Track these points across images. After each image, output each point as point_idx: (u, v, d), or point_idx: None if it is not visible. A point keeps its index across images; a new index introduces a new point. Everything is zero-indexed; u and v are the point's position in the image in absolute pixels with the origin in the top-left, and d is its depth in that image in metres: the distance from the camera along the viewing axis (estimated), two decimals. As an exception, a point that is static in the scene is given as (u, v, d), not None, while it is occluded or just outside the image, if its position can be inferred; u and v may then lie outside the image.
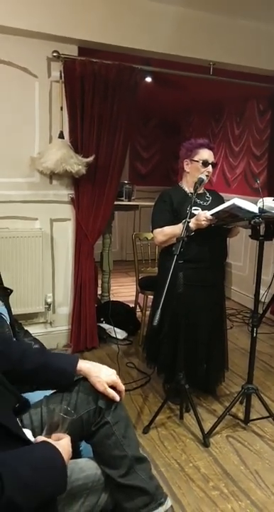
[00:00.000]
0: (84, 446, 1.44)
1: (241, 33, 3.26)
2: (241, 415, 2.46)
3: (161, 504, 1.32)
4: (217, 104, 5.00)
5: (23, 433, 1.16)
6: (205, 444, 2.23)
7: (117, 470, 1.27)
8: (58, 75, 2.90)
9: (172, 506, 1.39)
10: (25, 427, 1.26)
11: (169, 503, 1.36)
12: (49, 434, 1.15)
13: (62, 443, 1.11)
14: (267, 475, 2.04)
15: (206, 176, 2.40)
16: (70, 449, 1.12)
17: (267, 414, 2.31)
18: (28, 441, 1.13)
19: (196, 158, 2.42)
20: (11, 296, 2.02)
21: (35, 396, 1.41)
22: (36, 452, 1.06)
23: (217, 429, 2.32)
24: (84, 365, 1.33)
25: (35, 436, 1.21)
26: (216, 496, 1.91)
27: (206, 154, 2.42)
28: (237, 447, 2.24)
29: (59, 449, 1.07)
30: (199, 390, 2.65)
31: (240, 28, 3.25)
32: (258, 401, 2.35)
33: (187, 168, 2.48)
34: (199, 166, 2.41)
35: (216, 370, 2.62)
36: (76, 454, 1.32)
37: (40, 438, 1.13)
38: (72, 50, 2.93)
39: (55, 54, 2.85)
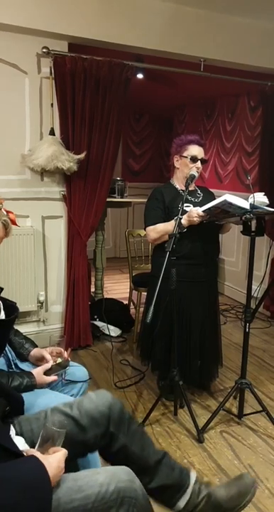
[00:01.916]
0: (92, 457, 1.44)
1: (232, 30, 3.25)
2: (235, 410, 2.47)
3: (187, 487, 1.39)
4: (209, 101, 5.00)
5: (13, 444, 1.11)
6: (199, 439, 2.24)
7: (142, 479, 1.26)
8: (48, 71, 2.88)
9: (197, 477, 1.47)
10: (19, 434, 1.22)
11: (193, 478, 1.43)
12: (41, 447, 1.12)
13: (52, 459, 1.06)
14: (261, 469, 2.06)
15: (196, 171, 2.40)
16: (62, 465, 1.08)
17: (261, 409, 2.33)
18: (18, 452, 1.09)
19: (185, 154, 2.42)
20: (1, 294, 2.00)
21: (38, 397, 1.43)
22: (19, 470, 1.00)
23: (211, 424, 2.33)
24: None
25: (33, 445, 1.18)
26: (210, 490, 1.92)
27: (195, 150, 2.42)
28: (231, 442, 2.25)
29: (47, 466, 1.02)
30: (193, 386, 2.66)
31: (231, 25, 3.25)
32: (252, 396, 2.36)
33: (176, 164, 2.48)
34: (187, 161, 2.41)
35: (210, 365, 2.62)
36: (73, 468, 1.29)
37: (31, 451, 1.09)
38: (62, 46, 2.90)
39: (44, 50, 2.82)
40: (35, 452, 1.08)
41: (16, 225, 1.68)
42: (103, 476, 1.18)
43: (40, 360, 1.69)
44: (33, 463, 1.03)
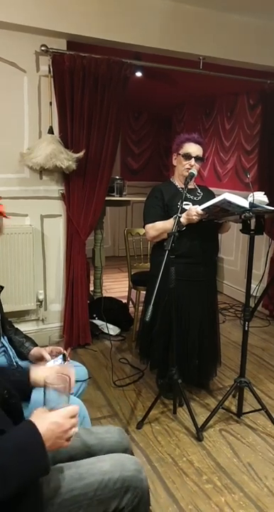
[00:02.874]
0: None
1: (231, 28, 3.25)
2: (234, 409, 2.47)
3: None
4: (208, 99, 4.99)
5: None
6: (198, 438, 2.24)
7: None
8: (47, 69, 2.87)
9: None
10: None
11: None
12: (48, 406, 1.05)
13: (48, 416, 1.01)
14: (260, 467, 2.06)
15: (188, 168, 2.39)
16: (61, 420, 1.01)
17: (260, 407, 2.33)
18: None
19: (180, 152, 2.44)
20: (1, 294, 2.00)
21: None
22: (13, 437, 0.98)
23: (210, 422, 2.33)
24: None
25: None
26: (209, 489, 1.92)
27: (190, 148, 2.42)
28: (230, 440, 2.25)
29: (38, 425, 0.98)
30: (192, 385, 2.67)
31: (230, 23, 3.24)
32: (251, 394, 2.36)
33: (174, 161, 2.51)
34: (182, 159, 2.42)
35: (208, 364, 2.63)
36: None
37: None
38: (60, 44, 2.89)
39: (43, 48, 2.81)
40: (33, 416, 1.03)
41: (5, 216, 1.67)
42: (108, 464, 1.16)
43: (39, 360, 1.69)
44: (25, 426, 1.00)
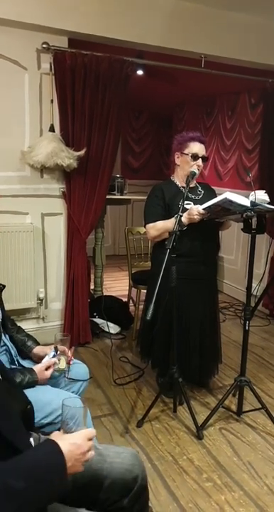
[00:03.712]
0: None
1: (233, 26, 3.24)
2: (234, 407, 2.48)
3: None
4: (209, 98, 4.99)
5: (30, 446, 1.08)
6: (198, 436, 2.24)
7: None
8: (48, 67, 2.86)
9: None
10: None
11: None
12: (64, 429, 1.06)
13: (69, 437, 1.01)
14: (260, 466, 2.07)
15: (197, 169, 2.39)
16: (80, 442, 1.00)
17: (260, 406, 2.33)
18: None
19: (186, 152, 2.41)
20: (2, 292, 2.00)
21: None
22: (35, 457, 0.97)
23: (210, 421, 2.34)
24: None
25: None
26: (209, 487, 1.92)
27: (196, 148, 2.41)
28: (230, 439, 2.26)
29: (61, 446, 0.97)
30: (192, 384, 2.67)
31: (232, 21, 3.23)
32: (251, 393, 2.36)
33: (177, 161, 2.47)
34: (188, 159, 2.40)
35: (209, 363, 2.63)
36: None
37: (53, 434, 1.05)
38: (62, 42, 2.89)
39: (44, 46, 2.81)
40: (55, 437, 1.03)
41: None
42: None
43: (42, 359, 1.69)
44: (47, 446, 0.99)
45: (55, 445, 0.98)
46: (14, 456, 0.96)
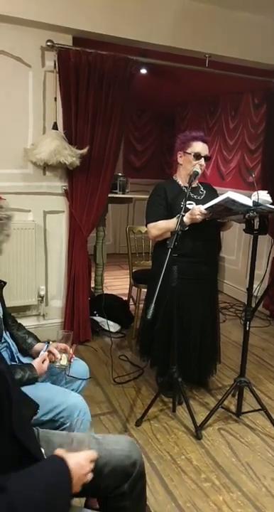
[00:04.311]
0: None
1: (237, 25, 3.23)
2: (233, 408, 2.48)
3: None
4: (212, 97, 4.98)
5: (42, 455, 1.10)
6: (197, 436, 2.25)
7: None
8: (52, 64, 2.86)
9: None
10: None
11: None
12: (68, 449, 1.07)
13: (74, 456, 1.02)
14: (259, 467, 2.07)
15: (199, 168, 2.39)
16: (83, 463, 1.02)
17: (259, 407, 2.33)
18: (41, 459, 1.07)
19: (188, 151, 2.41)
20: (3, 289, 2.00)
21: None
22: (41, 472, 0.97)
23: (209, 421, 2.34)
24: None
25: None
26: (207, 487, 1.92)
27: (199, 147, 2.40)
28: (229, 439, 2.26)
29: (71, 468, 0.98)
30: (191, 383, 2.67)
31: (237, 20, 3.23)
32: (250, 394, 2.37)
33: (180, 160, 2.47)
34: (191, 158, 2.39)
35: (208, 362, 2.63)
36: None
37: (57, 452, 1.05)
38: (66, 40, 2.88)
39: (49, 43, 2.80)
40: (61, 454, 1.03)
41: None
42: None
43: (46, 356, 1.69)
44: (54, 463, 1.00)
45: (64, 463, 0.99)
46: (29, 462, 0.96)
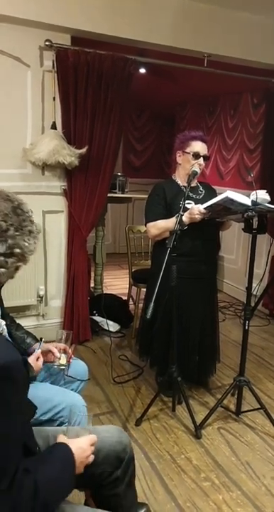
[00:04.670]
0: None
1: (236, 25, 3.23)
2: (233, 407, 2.48)
3: None
4: (211, 97, 4.98)
5: (40, 451, 1.18)
6: (197, 435, 2.25)
7: None
8: (51, 64, 2.85)
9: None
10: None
11: None
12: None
13: (75, 441, 1.12)
14: (258, 466, 2.07)
15: (198, 168, 2.39)
16: (84, 446, 1.13)
17: (259, 406, 2.33)
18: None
19: (187, 150, 2.41)
20: (2, 289, 2.00)
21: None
22: (53, 452, 1.10)
23: (209, 421, 2.34)
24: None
25: None
26: (207, 487, 1.92)
27: (198, 146, 2.40)
28: (228, 439, 2.26)
29: (74, 452, 1.09)
30: (191, 383, 2.67)
31: (237, 20, 3.22)
32: (249, 393, 2.37)
33: (179, 159, 2.47)
34: (190, 157, 2.40)
35: (208, 361, 2.63)
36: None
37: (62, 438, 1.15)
38: (65, 40, 2.88)
39: (47, 43, 2.80)
40: (64, 440, 1.13)
41: None
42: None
43: (45, 355, 1.69)
44: (59, 449, 1.10)
45: (68, 449, 1.09)
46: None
